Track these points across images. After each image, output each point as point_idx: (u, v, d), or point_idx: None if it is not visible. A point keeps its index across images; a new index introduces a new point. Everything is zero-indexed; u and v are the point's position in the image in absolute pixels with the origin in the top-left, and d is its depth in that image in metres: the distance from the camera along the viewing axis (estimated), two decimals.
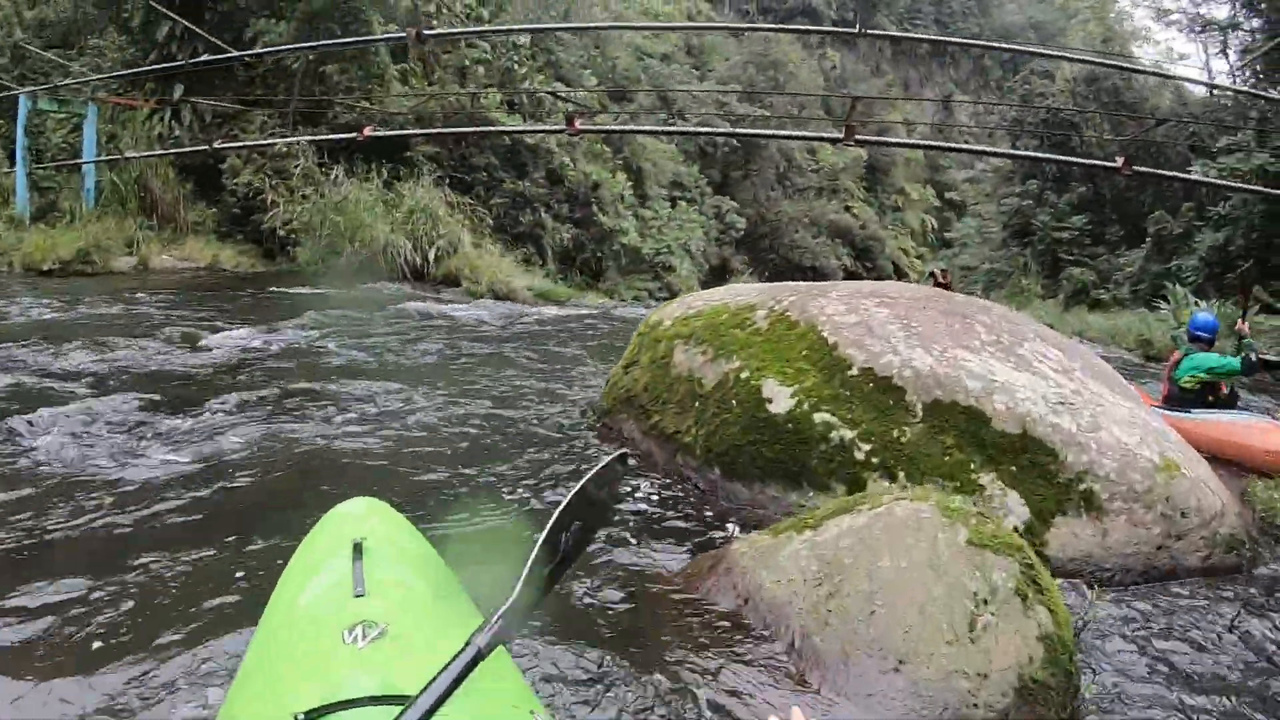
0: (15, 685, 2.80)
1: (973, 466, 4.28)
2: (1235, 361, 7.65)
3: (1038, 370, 4.80)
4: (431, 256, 19.14)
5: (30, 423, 5.42)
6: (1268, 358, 8.28)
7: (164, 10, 16.64)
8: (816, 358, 4.88)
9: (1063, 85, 36.70)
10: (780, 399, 4.73)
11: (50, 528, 4.01)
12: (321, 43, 15.85)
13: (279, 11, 19.57)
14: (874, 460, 4.39)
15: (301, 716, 1.41)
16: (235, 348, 8.81)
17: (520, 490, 4.90)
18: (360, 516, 2.31)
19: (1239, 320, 8.98)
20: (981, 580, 2.87)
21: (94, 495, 4.42)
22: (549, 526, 1.58)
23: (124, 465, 4.90)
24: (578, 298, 20.62)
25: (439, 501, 4.65)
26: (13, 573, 3.52)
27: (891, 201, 59.09)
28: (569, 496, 1.66)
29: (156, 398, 6.28)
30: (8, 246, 15.01)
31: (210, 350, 8.60)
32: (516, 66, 26.62)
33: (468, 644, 1.36)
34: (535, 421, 6.58)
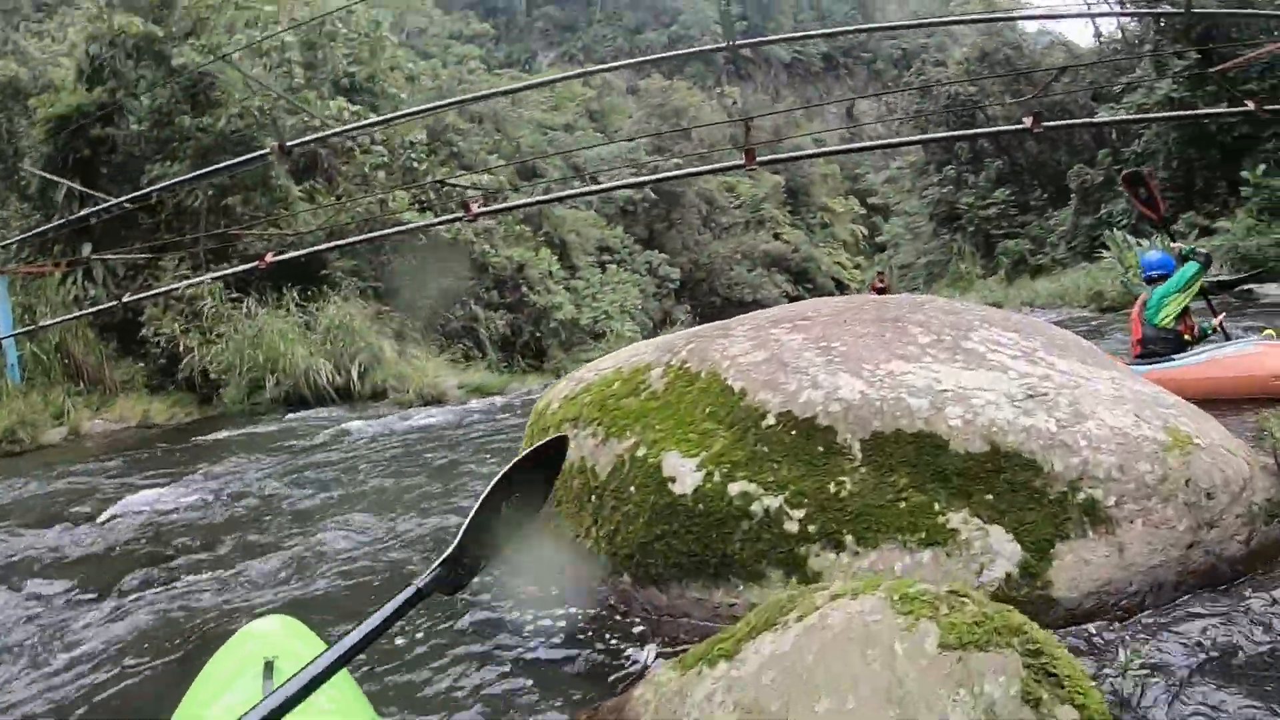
0: None
1: (937, 507, 3.33)
2: (1191, 265, 7.37)
3: (993, 363, 3.92)
4: (355, 374, 18.60)
5: None
6: (1222, 278, 8.15)
7: (50, 177, 17.25)
8: (723, 413, 3.94)
9: (956, 69, 36.81)
10: (685, 475, 3.74)
11: None
12: (189, 175, 15.53)
13: (173, 153, 19.69)
14: (811, 529, 3.42)
15: None
16: (149, 511, 8.05)
17: (429, 610, 4.27)
18: (272, 634, 2.21)
19: (1170, 242, 8.96)
20: (969, 700, 1.94)
21: None
22: (486, 492, 1.71)
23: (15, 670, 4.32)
24: (516, 384, 19.91)
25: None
26: None
27: (818, 219, 59.44)
28: (506, 468, 1.77)
29: (59, 585, 5.75)
30: None
31: (122, 519, 7.84)
32: (417, 165, 26.52)
33: (410, 584, 1.58)
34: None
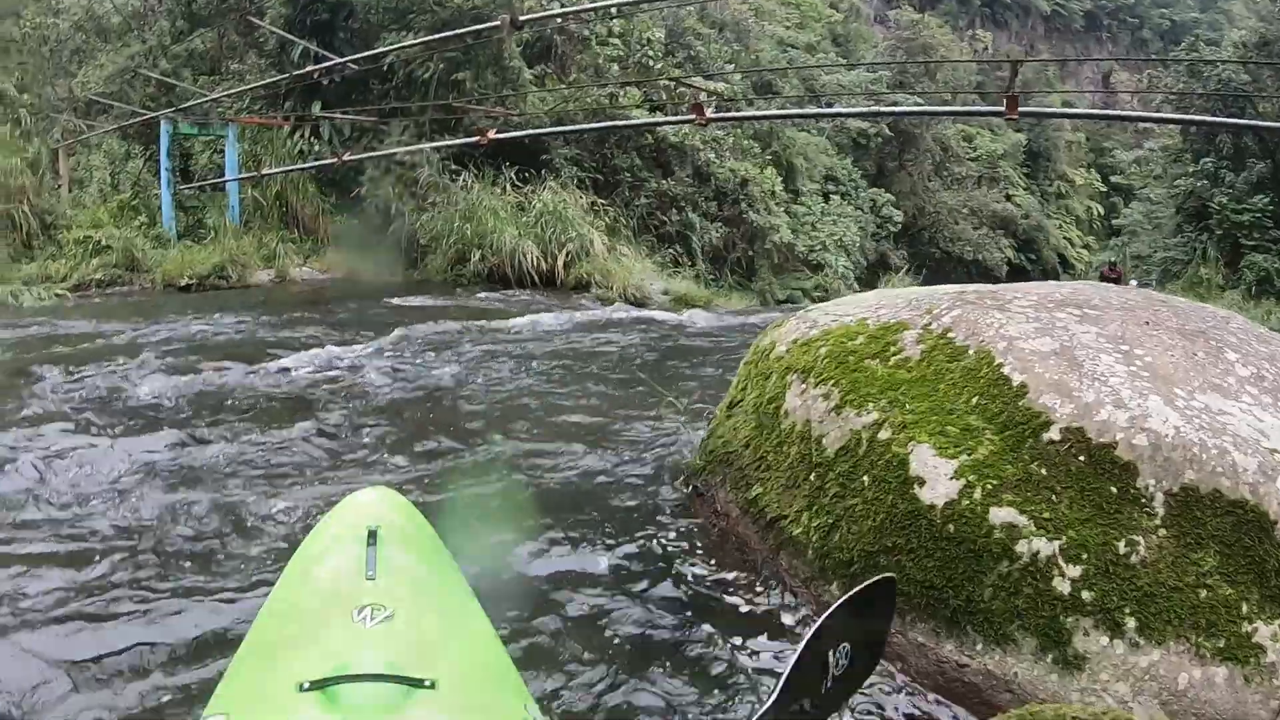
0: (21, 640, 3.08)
1: (1245, 609, 2.57)
2: None
3: None
4: (561, 262, 18.54)
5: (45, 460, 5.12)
6: None
7: (287, 36, 17.91)
8: (995, 410, 3.15)
9: (1231, 52, 33.74)
10: (938, 480, 3.01)
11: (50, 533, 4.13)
12: (418, 40, 15.70)
13: (409, 24, 20.11)
14: (1084, 595, 2.68)
15: (307, 685, 1.47)
16: (313, 368, 8.25)
17: (551, 534, 4.22)
18: (374, 504, 2.28)
19: None
20: None
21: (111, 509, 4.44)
22: (804, 642, 1.56)
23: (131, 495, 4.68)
24: (721, 300, 19.46)
25: (464, 514, 4.39)
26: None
27: (1054, 188, 56.20)
28: (824, 616, 1.62)
29: (199, 427, 6.01)
30: (153, 263, 15.80)
31: (288, 371, 8.11)
32: (652, 63, 26.27)
33: None
34: (606, 471, 5.25)
